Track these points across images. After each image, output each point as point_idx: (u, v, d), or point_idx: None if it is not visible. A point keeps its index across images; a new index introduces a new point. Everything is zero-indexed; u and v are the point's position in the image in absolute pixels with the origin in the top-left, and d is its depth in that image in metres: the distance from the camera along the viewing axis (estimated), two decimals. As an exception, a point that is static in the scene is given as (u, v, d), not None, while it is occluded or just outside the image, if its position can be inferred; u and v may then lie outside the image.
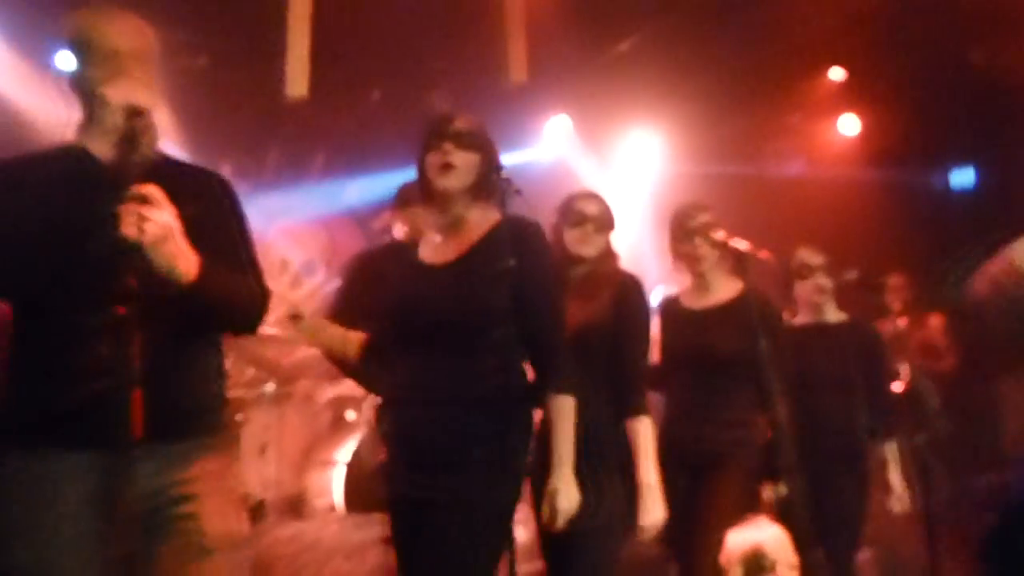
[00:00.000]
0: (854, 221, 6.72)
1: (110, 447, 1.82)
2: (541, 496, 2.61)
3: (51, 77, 5.58)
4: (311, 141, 7.03)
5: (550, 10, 6.08)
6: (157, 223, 1.82)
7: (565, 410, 2.55)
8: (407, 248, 2.71)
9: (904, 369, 4.31)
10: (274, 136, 6.85)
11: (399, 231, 3.76)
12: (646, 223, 6.66)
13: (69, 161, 1.97)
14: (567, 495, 2.53)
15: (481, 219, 2.55)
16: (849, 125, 7.49)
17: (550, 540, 2.86)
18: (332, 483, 5.04)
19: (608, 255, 3.19)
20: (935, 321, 6.14)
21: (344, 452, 5.06)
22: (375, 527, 4.43)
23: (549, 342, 2.53)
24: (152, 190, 1.84)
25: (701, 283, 3.58)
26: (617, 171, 7.48)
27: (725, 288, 3.54)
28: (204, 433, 2.06)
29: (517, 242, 2.41)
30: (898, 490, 3.86)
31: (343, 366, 3.54)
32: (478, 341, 2.39)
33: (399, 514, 2.55)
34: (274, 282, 4.00)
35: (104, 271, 1.86)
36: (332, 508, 4.95)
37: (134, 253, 1.80)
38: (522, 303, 2.42)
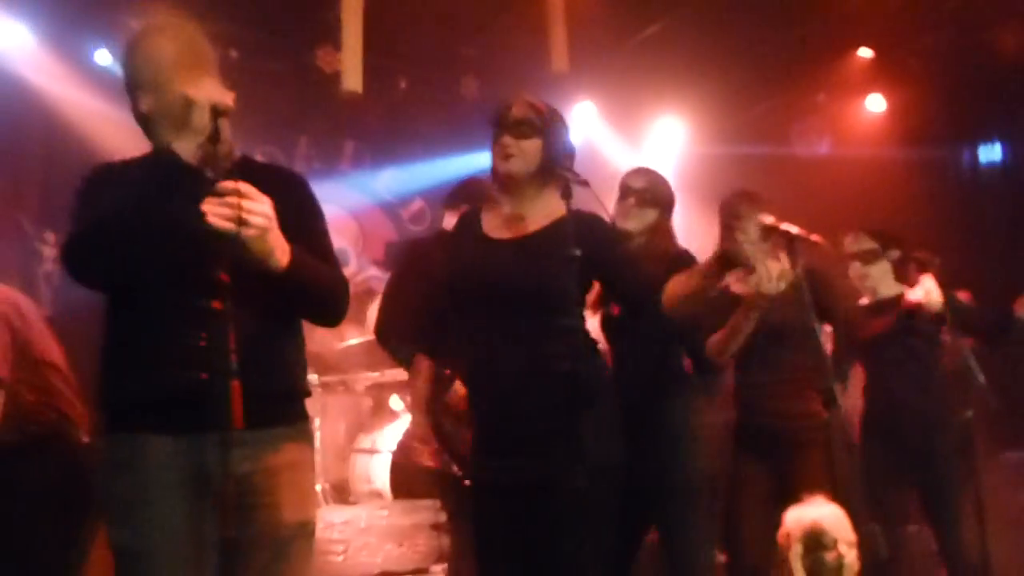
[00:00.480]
0: (882, 200, 6.70)
1: (206, 433, 1.89)
2: None
3: (91, 73, 5.66)
4: (341, 132, 7.07)
5: (576, -2, 6.08)
6: (258, 213, 1.88)
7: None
8: (471, 222, 2.72)
9: None
10: (304, 127, 6.89)
11: (450, 224, 3.76)
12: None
13: (160, 163, 2.01)
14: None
15: (549, 209, 2.57)
16: (876, 104, 7.47)
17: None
18: (376, 470, 5.10)
19: (658, 232, 3.18)
20: (962, 298, 6.10)
21: (387, 440, 5.12)
22: (423, 513, 4.53)
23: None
24: (245, 184, 1.90)
25: None
26: (645, 154, 7.48)
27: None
28: (288, 421, 2.11)
29: (582, 228, 2.41)
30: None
31: None
32: (545, 314, 2.39)
33: (487, 501, 2.55)
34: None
35: (197, 265, 1.92)
36: (377, 494, 5.02)
37: (227, 245, 1.86)
38: (600, 266, 2.45)
